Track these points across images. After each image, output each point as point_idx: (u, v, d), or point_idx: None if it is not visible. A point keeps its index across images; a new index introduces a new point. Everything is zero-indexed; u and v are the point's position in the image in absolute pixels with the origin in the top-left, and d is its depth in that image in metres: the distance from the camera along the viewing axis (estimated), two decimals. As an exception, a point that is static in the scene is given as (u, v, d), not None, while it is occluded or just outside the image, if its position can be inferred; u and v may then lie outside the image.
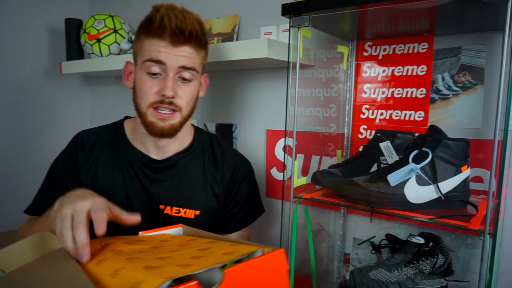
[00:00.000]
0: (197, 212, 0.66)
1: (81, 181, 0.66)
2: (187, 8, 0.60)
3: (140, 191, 0.65)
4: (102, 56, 1.08)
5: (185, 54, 0.59)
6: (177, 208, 0.65)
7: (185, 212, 0.66)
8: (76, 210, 0.40)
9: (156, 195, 0.65)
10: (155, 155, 0.66)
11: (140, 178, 0.65)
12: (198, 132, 0.71)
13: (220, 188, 0.68)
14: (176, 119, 0.61)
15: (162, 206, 0.65)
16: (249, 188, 0.72)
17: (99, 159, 0.66)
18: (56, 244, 0.43)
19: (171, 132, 0.62)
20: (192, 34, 0.58)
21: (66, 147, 0.69)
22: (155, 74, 0.59)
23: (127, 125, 0.70)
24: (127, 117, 0.72)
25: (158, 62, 0.58)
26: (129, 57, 0.95)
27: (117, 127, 0.70)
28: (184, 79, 0.60)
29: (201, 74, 0.66)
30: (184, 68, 0.59)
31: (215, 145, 0.71)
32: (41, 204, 0.65)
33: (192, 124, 0.72)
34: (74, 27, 1.14)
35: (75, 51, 1.15)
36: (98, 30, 1.05)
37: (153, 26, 0.58)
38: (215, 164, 0.69)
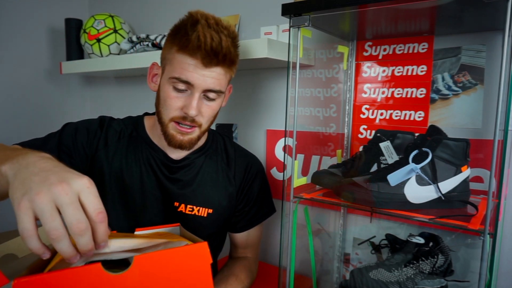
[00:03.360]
0: (210, 211, 0.67)
1: (92, 163, 0.65)
2: (219, 19, 0.59)
3: (156, 186, 0.66)
4: (102, 56, 1.08)
5: (214, 76, 0.59)
6: (191, 206, 0.67)
7: (198, 210, 0.67)
8: (63, 201, 0.30)
9: (171, 192, 0.66)
10: (172, 153, 0.68)
11: (157, 174, 0.66)
12: (211, 133, 0.73)
13: (232, 187, 0.70)
14: (195, 133, 0.63)
15: (176, 204, 0.66)
16: (261, 187, 0.73)
17: (117, 149, 0.67)
18: None
19: (189, 146, 0.63)
20: (226, 57, 0.58)
21: (87, 122, 0.68)
22: (181, 90, 0.60)
23: (147, 122, 0.71)
24: (146, 114, 0.73)
25: (186, 82, 0.58)
26: (132, 57, 0.95)
27: (137, 123, 0.70)
28: (209, 98, 0.61)
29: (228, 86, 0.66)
30: (210, 91, 0.60)
31: (228, 145, 0.73)
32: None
33: None
34: (74, 27, 1.15)
35: (75, 51, 1.16)
36: (98, 30, 1.06)
37: (188, 44, 0.56)
38: (228, 163, 0.71)
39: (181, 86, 0.59)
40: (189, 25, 0.57)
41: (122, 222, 0.66)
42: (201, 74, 0.58)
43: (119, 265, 0.34)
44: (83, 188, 0.31)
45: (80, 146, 0.65)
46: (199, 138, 0.64)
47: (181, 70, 0.58)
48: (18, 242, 0.45)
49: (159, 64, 0.65)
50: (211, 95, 0.60)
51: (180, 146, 0.63)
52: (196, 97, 0.59)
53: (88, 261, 0.33)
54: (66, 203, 0.30)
